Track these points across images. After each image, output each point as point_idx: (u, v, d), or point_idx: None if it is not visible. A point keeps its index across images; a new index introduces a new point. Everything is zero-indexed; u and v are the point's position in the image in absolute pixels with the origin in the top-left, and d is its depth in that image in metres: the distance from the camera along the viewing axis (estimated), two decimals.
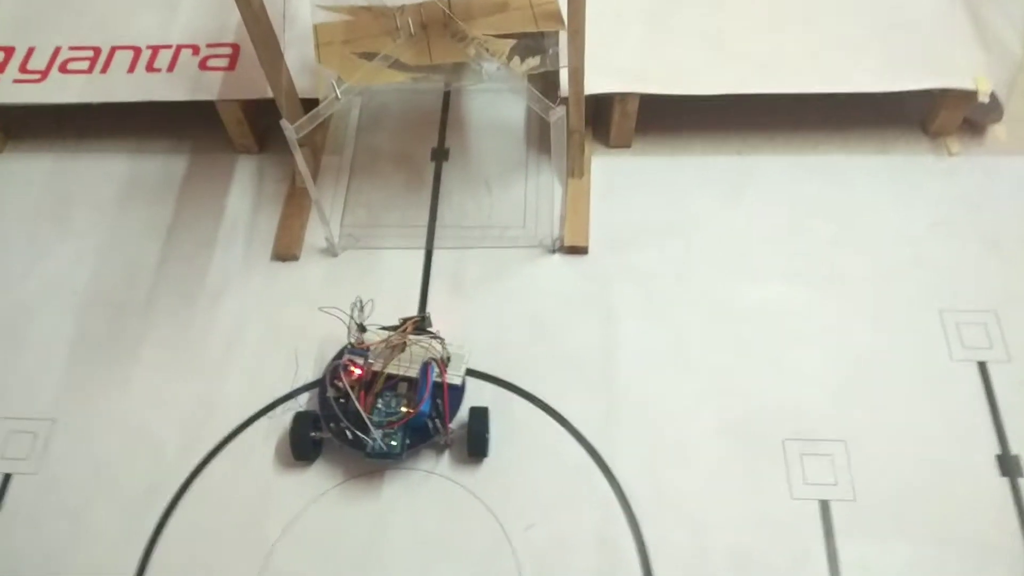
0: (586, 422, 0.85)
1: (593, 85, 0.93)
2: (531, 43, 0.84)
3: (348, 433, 0.80)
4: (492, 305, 0.93)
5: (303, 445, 0.82)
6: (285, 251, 0.97)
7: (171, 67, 1.02)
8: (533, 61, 0.81)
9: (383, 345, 0.83)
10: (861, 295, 0.92)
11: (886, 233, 0.95)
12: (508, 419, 0.85)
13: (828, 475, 0.81)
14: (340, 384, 0.82)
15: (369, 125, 1.08)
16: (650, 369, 0.88)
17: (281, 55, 0.91)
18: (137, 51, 1.04)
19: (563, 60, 0.88)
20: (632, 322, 0.91)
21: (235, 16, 1.02)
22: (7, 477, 0.85)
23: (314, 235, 0.99)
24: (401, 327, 0.85)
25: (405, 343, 0.84)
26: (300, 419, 0.83)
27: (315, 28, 0.86)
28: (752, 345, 0.89)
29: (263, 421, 0.87)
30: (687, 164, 1.02)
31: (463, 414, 0.84)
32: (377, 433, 0.79)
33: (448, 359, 0.84)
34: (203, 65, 1.02)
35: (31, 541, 0.82)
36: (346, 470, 0.84)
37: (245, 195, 1.03)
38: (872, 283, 0.92)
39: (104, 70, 1.02)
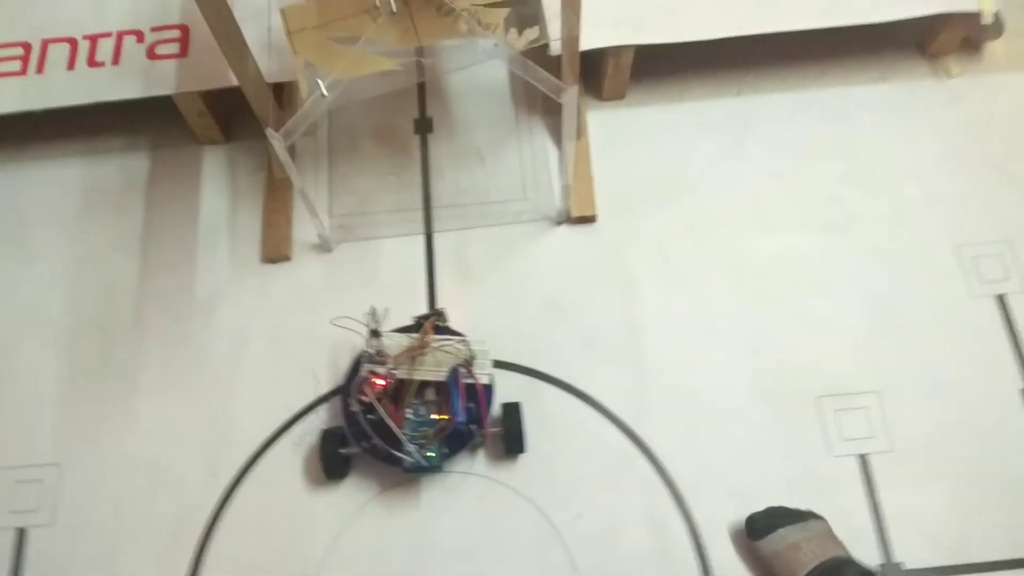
0: (619, 402, 0.84)
1: (586, 40, 0.86)
2: (524, 10, 0.76)
3: (381, 449, 0.77)
4: (504, 288, 0.89)
5: (334, 464, 0.79)
6: (275, 252, 0.91)
7: (115, 59, 0.91)
8: (532, 33, 0.74)
9: (404, 351, 0.79)
10: (875, 237, 0.90)
11: (894, 169, 0.93)
12: (539, 408, 0.83)
13: (864, 428, 0.82)
14: (365, 398, 0.78)
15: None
16: (676, 338, 0.86)
17: (245, 45, 0.82)
18: (73, 43, 0.92)
19: (552, 23, 0.81)
20: (652, 290, 0.88)
21: None
22: (22, 532, 0.81)
23: (303, 230, 0.92)
24: (419, 329, 0.81)
25: (426, 346, 0.80)
26: (327, 437, 0.80)
27: (283, 12, 0.77)
28: (774, 300, 0.87)
29: (284, 440, 0.83)
30: (685, 111, 0.98)
31: (494, 409, 0.81)
32: (412, 447, 0.76)
33: (473, 358, 0.80)
34: (151, 54, 0.91)
35: None
36: (380, 481, 0.81)
37: (219, 192, 0.95)
38: (885, 223, 0.91)
39: (40, 69, 0.91)
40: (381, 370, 0.79)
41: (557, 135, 0.96)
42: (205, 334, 0.88)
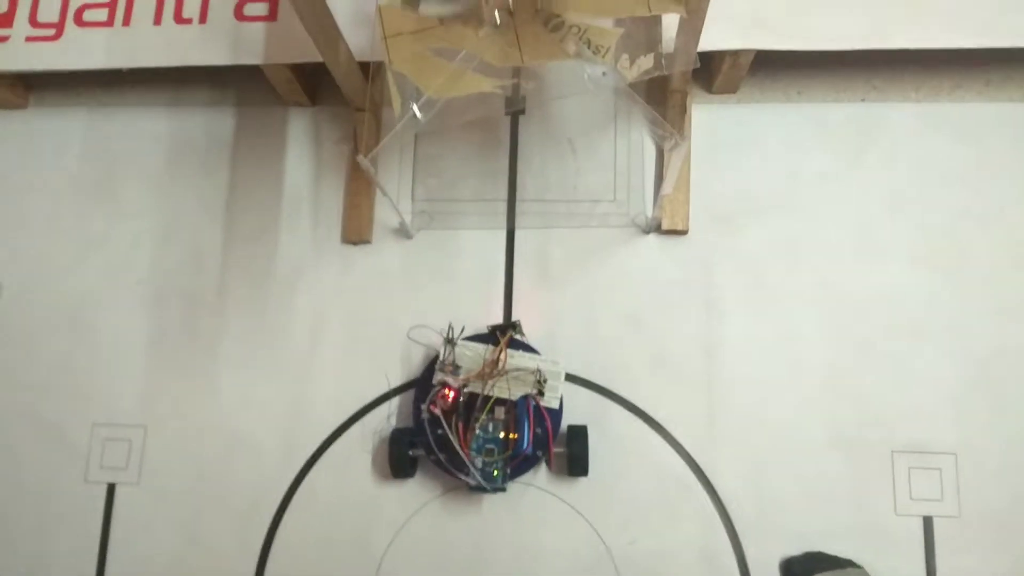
0: (686, 430, 0.83)
1: (706, 40, 0.78)
2: (639, 32, 0.69)
3: (447, 463, 0.79)
4: (582, 296, 0.87)
5: (402, 464, 0.82)
6: (356, 235, 0.90)
7: (203, 17, 0.87)
8: (645, 62, 0.68)
9: (478, 371, 0.79)
10: (986, 282, 0.84)
11: (1021, 206, 0.85)
12: (605, 429, 0.83)
13: (935, 490, 0.80)
14: (435, 410, 0.79)
15: None
16: (756, 368, 0.84)
17: (335, 28, 0.77)
18: None
19: (669, 34, 0.73)
20: (737, 315, 0.85)
21: None
22: (112, 487, 0.87)
23: (385, 213, 0.91)
24: (495, 344, 0.81)
25: (498, 360, 0.80)
26: (397, 437, 0.82)
27: (379, 11, 0.71)
28: (865, 340, 0.84)
29: (356, 428, 0.86)
30: (802, 114, 0.90)
31: (561, 427, 0.82)
32: (477, 464, 0.78)
33: (545, 381, 0.80)
34: (239, 14, 0.87)
35: (149, 553, 0.85)
36: (444, 482, 0.84)
37: (303, 161, 0.93)
38: (1000, 267, 0.84)
39: (126, 21, 0.88)
40: (453, 382, 0.80)
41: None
42: (285, 311, 0.89)
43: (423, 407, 0.80)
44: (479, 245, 0.89)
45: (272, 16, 0.86)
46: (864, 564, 0.78)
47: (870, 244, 0.86)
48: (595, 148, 0.90)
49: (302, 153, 0.93)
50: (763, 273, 0.86)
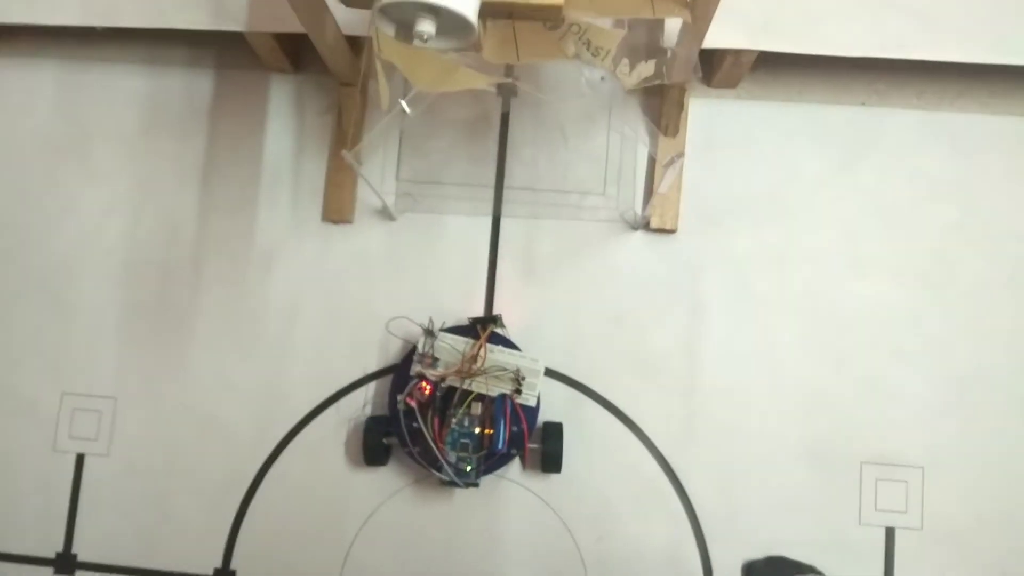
0: (662, 432, 0.83)
1: (711, 39, 0.75)
2: (639, 35, 0.66)
3: (420, 457, 0.79)
4: (566, 291, 0.86)
5: (376, 452, 0.81)
6: (337, 214, 0.87)
7: None
8: (646, 69, 0.65)
9: (456, 367, 0.79)
10: (970, 301, 0.84)
11: (1014, 226, 0.85)
12: (581, 425, 0.83)
13: (899, 502, 0.82)
14: (411, 403, 0.78)
15: None
16: (736, 375, 0.84)
17: (323, 3, 0.73)
18: None
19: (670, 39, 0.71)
20: (721, 320, 0.85)
21: None
22: (81, 458, 0.86)
23: (368, 192, 0.88)
24: (475, 337, 0.80)
25: (478, 355, 0.79)
26: (372, 426, 0.81)
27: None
28: (846, 354, 0.84)
29: (330, 412, 0.85)
30: (800, 114, 0.88)
31: (537, 423, 0.82)
32: (451, 459, 0.78)
33: (523, 379, 0.79)
34: None
35: (118, 525, 0.85)
36: (418, 471, 0.83)
37: (285, 131, 0.90)
38: (985, 288, 0.84)
39: None
40: (431, 375, 0.79)
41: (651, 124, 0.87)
42: (262, 289, 0.87)
43: (399, 398, 0.79)
44: (463, 232, 0.87)
45: None
46: (825, 571, 0.80)
47: (857, 255, 0.85)
48: (587, 139, 0.88)
49: (284, 122, 0.90)
50: (749, 278, 0.85)
